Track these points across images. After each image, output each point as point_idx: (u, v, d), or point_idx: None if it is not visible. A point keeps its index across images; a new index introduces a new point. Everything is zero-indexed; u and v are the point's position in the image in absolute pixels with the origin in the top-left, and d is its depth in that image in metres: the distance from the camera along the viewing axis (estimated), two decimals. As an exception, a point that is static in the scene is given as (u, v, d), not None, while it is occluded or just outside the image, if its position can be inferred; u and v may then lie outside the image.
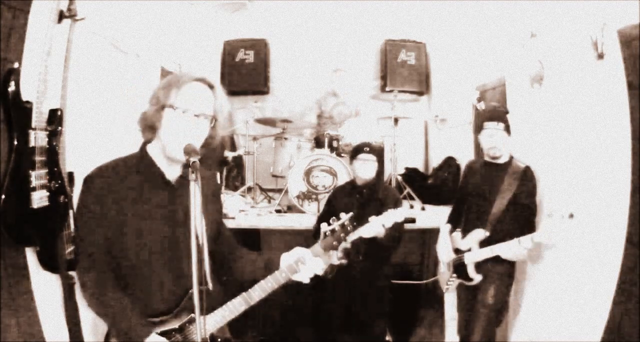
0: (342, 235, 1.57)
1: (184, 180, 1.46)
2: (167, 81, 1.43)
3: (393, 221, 2.23)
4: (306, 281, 1.53)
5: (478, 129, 2.57)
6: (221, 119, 1.47)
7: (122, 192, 1.40)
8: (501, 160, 2.53)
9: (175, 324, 1.43)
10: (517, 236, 2.20)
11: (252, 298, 1.49)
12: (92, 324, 2.30)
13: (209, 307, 1.40)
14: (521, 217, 2.41)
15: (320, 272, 1.55)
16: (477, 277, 2.44)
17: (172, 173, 1.47)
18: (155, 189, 1.44)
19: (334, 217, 1.59)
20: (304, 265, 1.51)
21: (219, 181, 1.94)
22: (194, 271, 1.20)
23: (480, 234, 2.40)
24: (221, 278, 1.62)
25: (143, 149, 1.47)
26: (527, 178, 2.45)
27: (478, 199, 2.57)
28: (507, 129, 2.49)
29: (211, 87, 1.45)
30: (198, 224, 1.23)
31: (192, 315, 1.43)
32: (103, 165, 1.44)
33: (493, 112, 2.59)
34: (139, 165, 1.45)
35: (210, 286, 1.36)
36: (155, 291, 1.43)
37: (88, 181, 1.41)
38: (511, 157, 2.54)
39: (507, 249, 2.20)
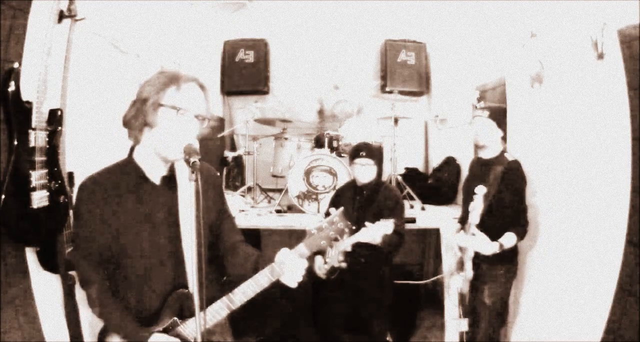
0: (330, 233, 1.44)
1: (167, 179, 1.45)
2: (161, 79, 1.40)
3: (382, 232, 2.24)
4: (292, 285, 1.44)
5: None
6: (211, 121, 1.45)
7: (110, 199, 1.38)
8: (491, 155, 2.52)
9: (159, 327, 1.40)
10: (503, 230, 2.31)
11: (233, 302, 1.42)
12: (92, 324, 2.30)
13: (192, 310, 1.29)
14: (506, 212, 2.39)
15: (300, 278, 1.43)
16: (470, 273, 2.39)
17: (156, 173, 1.44)
18: (138, 190, 1.42)
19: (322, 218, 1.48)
20: (286, 267, 1.42)
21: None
22: (193, 271, 1.19)
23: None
24: (216, 274, 1.58)
25: (130, 153, 1.46)
26: (511, 172, 2.40)
27: (469, 196, 2.55)
28: (494, 119, 2.47)
29: (203, 88, 1.44)
30: (197, 224, 1.24)
31: (175, 318, 1.42)
32: (94, 174, 1.42)
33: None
34: (125, 170, 1.43)
35: (191, 288, 1.36)
36: (140, 292, 1.42)
37: (79, 191, 1.39)
38: (502, 152, 2.52)
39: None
